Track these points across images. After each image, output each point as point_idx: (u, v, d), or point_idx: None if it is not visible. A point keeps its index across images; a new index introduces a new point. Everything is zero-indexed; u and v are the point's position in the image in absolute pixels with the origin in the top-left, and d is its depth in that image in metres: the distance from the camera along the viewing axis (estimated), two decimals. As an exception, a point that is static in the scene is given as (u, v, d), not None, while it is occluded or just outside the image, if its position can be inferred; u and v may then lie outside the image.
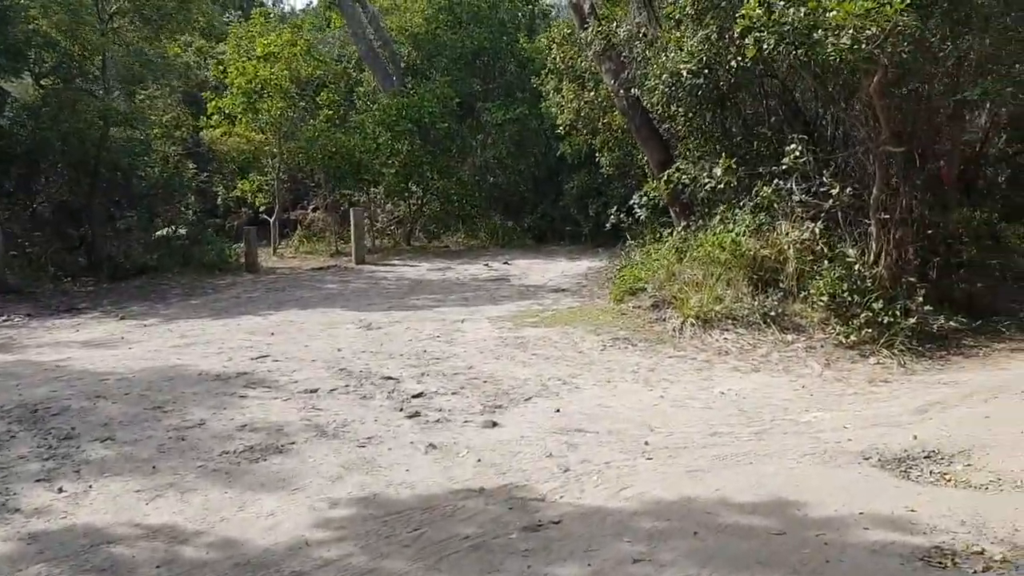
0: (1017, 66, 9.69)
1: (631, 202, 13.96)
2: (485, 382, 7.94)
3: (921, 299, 8.96)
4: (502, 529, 4.68)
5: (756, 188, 9.90)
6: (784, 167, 9.55)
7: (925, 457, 5.71)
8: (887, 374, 8.10)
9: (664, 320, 9.91)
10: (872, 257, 9.42)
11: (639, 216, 13.68)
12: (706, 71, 10.32)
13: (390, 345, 9.48)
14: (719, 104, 10.83)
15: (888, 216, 9.48)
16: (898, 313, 8.86)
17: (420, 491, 5.31)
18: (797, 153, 9.46)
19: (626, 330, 9.81)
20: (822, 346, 8.84)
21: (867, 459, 5.71)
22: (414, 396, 7.47)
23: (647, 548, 4.35)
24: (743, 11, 8.21)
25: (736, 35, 9.00)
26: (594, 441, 6.28)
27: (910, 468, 5.54)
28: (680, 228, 12.01)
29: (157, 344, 9.69)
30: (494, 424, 6.73)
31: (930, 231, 9.66)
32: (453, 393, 7.58)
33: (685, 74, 10.29)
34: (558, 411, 7.03)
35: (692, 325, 9.49)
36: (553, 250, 18.53)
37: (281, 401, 7.23)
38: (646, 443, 6.20)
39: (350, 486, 5.40)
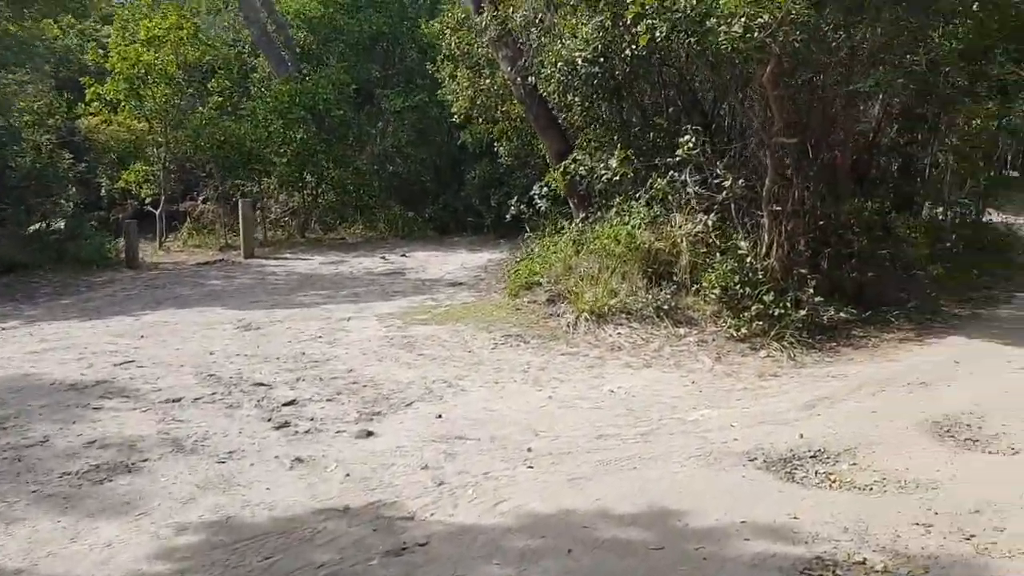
0: (908, 56, 9.78)
1: (531, 193, 13.69)
2: (365, 386, 7.49)
3: (811, 290, 8.94)
4: (363, 554, 4.28)
5: (651, 180, 9.71)
6: (678, 159, 9.37)
7: (811, 457, 5.56)
8: (777, 368, 8.01)
9: (559, 315, 9.64)
10: (764, 249, 9.36)
11: (540, 207, 13.42)
12: (601, 59, 10.08)
13: (267, 347, 8.92)
14: (615, 93, 10.61)
15: (780, 208, 9.43)
16: (789, 305, 8.81)
17: (279, 512, 4.85)
18: (690, 144, 9.30)
19: (519, 326, 9.50)
20: (714, 340, 8.71)
21: (752, 460, 5.53)
22: (285, 404, 6.97)
23: (516, 571, 4.02)
24: (633, -4, 7.97)
25: (628, 22, 8.75)
26: (475, 449, 5.93)
27: (795, 469, 5.38)
28: (579, 220, 11.78)
29: (12, 350, 8.87)
30: (369, 433, 6.30)
31: (821, 222, 9.66)
32: (328, 400, 7.12)
33: (580, 62, 10.02)
34: (440, 417, 6.66)
35: (586, 320, 9.25)
36: (455, 242, 18.12)
37: (139, 412, 6.63)
38: (529, 449, 5.88)
39: (203, 508, 4.90)
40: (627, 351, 8.56)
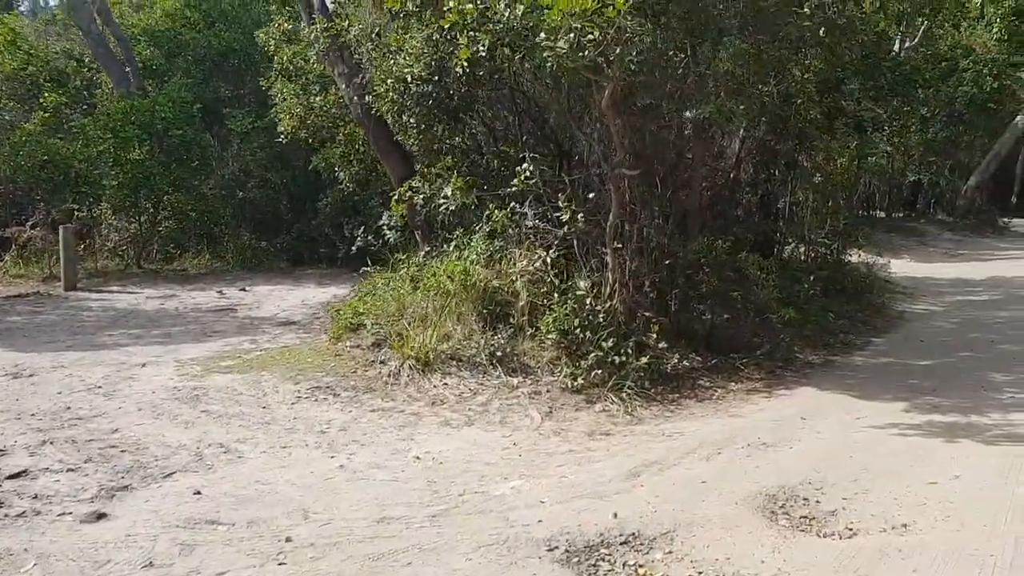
0: (761, 87, 9.24)
1: (380, 222, 12.64)
2: (124, 451, 6.22)
3: (655, 335, 8.18)
4: None
5: (488, 211, 8.80)
6: (514, 188, 8.49)
7: (622, 543, 4.66)
8: (611, 424, 7.14)
9: (382, 362, 8.55)
10: (608, 289, 8.56)
11: (388, 239, 12.38)
12: (435, 77, 9.14)
13: (28, 400, 7.51)
14: (453, 116, 9.68)
15: (624, 245, 8.67)
16: (630, 352, 8.01)
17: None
18: (527, 173, 8.45)
19: (334, 375, 8.36)
20: (548, 391, 7.80)
21: (553, 549, 4.58)
22: (10, 476, 5.65)
23: None
24: (450, 4, 7.04)
25: (456, 35, 7.84)
26: (222, 539, 4.77)
27: (601, 561, 4.47)
28: (422, 254, 10.79)
29: None
30: (100, 516, 5.07)
31: (668, 261, 8.95)
32: (70, 469, 5.83)
33: (411, 80, 9.06)
34: (199, 493, 5.47)
35: (411, 368, 8.20)
36: (306, 275, 16.79)
37: None
38: (288, 539, 4.77)
39: None
40: (450, 405, 7.55)
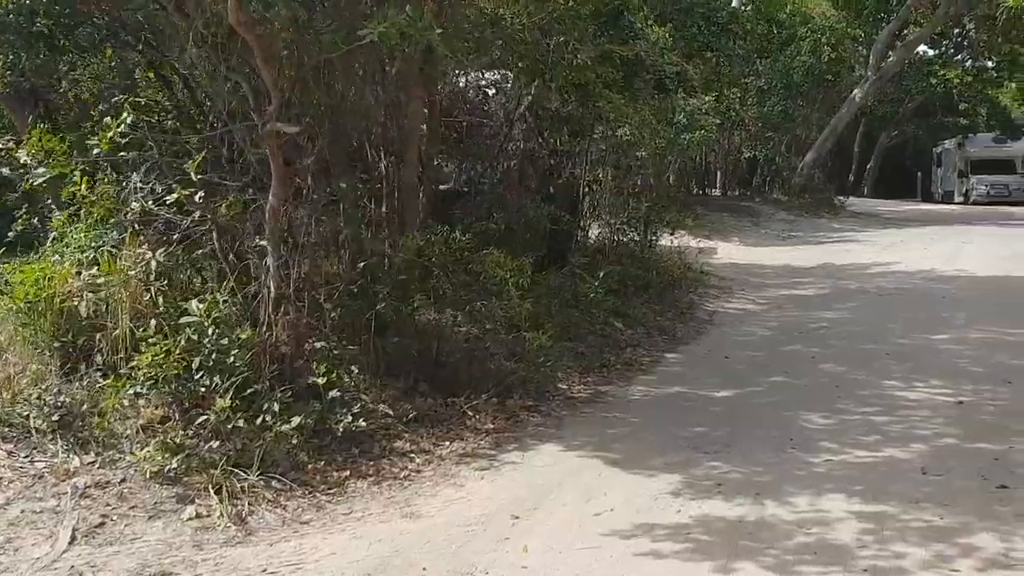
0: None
1: None
2: None
3: (328, 376, 5.39)
4: None
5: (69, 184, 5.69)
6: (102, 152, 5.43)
7: None
8: (194, 547, 4.25)
9: None
10: (269, 307, 5.67)
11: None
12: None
13: None
14: (49, 45, 6.42)
15: (292, 240, 5.81)
16: (276, 406, 5.16)
17: None
18: (125, 125, 5.41)
19: None
20: (125, 479, 4.82)
21: None
22: None
23: None
24: None
25: None
26: None
27: None
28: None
29: None
30: None
31: (363, 263, 6.13)
32: None
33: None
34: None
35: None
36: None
37: None
38: None
39: None
40: (-61, 515, 4.46)
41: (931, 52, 34.84)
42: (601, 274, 9.35)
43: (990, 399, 6.66)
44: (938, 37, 33.59)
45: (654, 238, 11.82)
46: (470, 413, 6.14)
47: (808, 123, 26.77)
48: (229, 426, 5.00)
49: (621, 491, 4.91)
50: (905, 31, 27.38)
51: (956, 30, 32.78)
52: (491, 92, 10.23)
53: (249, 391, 5.28)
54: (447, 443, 5.72)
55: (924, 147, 37.71)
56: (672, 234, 12.04)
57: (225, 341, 5.26)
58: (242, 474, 4.83)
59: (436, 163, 8.91)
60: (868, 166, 38.05)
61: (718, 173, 27.38)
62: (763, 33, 24.72)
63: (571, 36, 7.23)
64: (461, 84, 9.68)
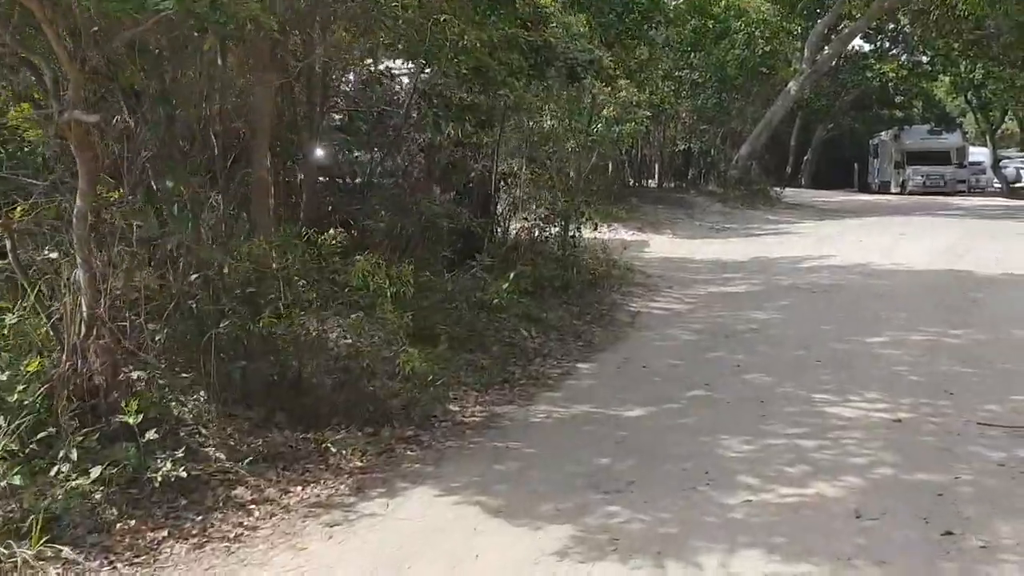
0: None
1: None
2: None
3: (138, 410, 4.39)
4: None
5: None
6: None
7: None
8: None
9: None
10: (72, 330, 4.63)
11: None
12: None
13: None
14: None
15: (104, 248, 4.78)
16: (75, 453, 4.15)
17: None
18: None
19: None
20: None
21: None
22: None
23: None
24: None
25: None
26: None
27: None
28: None
29: None
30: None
31: (196, 275, 5.13)
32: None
33: None
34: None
35: None
36: None
37: None
38: None
39: None
40: None
41: (867, 47, 34.89)
42: (512, 275, 8.47)
43: (930, 415, 5.93)
44: (873, 32, 33.62)
45: (576, 234, 10.97)
46: (333, 449, 5.18)
47: (743, 116, 26.37)
48: (2, 484, 3.98)
49: (496, 553, 4.01)
50: (840, 25, 27.13)
51: (891, 25, 32.80)
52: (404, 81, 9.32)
53: (42, 435, 4.27)
54: (298, 488, 4.76)
55: (861, 139, 37.69)
56: (595, 229, 11.19)
57: (5, 376, 4.22)
58: (17, 547, 3.80)
59: (324, 155, 7.96)
60: (805, 158, 37.97)
61: (656, 165, 26.78)
62: (697, 27, 24.32)
63: (456, 17, 6.28)
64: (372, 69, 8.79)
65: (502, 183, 10.75)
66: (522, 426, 5.91)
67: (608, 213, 18.47)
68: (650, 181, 26.13)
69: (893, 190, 32.79)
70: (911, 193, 31.00)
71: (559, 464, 5.13)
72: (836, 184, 35.10)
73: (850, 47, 33.81)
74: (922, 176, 31.96)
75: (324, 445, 5.20)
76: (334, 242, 5.87)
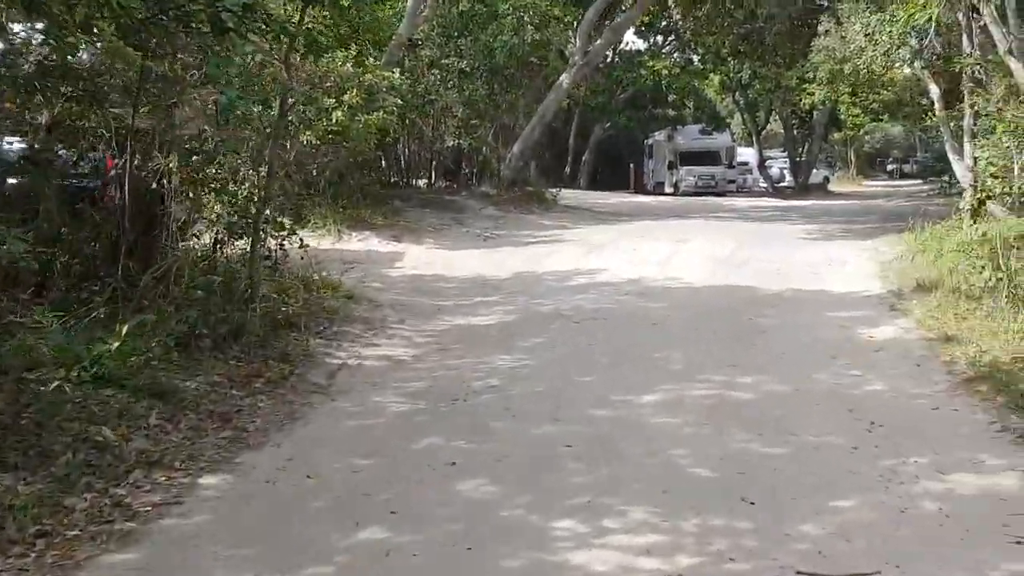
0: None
1: None
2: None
3: None
4: None
5: None
6: None
7: None
8: None
9: None
10: None
11: None
12: None
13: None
14: None
15: None
16: None
17: None
18: None
19: None
20: None
21: None
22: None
23: None
24: None
25: None
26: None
27: None
28: None
29: None
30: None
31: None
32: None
33: None
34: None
35: None
36: None
37: None
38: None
39: None
40: None
41: (642, 44, 34.51)
42: (127, 326, 5.56)
43: (725, 553, 3.74)
44: (647, 29, 33.22)
45: (275, 253, 8.17)
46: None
47: (515, 110, 24.49)
48: None
49: None
50: (614, 15, 26.08)
51: (664, 23, 32.49)
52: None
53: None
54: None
55: (636, 139, 37.26)
56: (293, 244, 8.42)
57: None
58: None
59: None
60: (584, 158, 37.08)
61: (433, 164, 24.38)
62: (464, 11, 22.33)
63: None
64: None
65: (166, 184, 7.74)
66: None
67: (359, 219, 15.82)
68: (420, 181, 23.72)
69: (667, 190, 32.49)
70: (684, 194, 30.70)
71: None
72: (614, 185, 34.40)
73: (624, 45, 33.33)
74: (694, 177, 31.81)
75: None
76: None
